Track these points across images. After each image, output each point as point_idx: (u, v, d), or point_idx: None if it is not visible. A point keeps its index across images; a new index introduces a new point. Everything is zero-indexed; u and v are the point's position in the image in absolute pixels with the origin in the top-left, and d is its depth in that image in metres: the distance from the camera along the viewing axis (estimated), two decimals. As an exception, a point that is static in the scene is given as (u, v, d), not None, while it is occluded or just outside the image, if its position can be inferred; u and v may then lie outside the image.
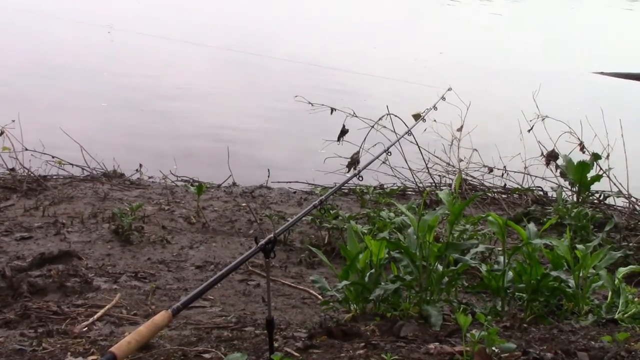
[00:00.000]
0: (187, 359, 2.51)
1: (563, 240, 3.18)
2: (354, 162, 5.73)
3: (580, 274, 3.04)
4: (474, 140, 6.38)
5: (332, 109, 6.01)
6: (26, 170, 5.69)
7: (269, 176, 6.37)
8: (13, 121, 5.65)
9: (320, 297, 3.63)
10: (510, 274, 3.09)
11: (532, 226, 3.20)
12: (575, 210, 5.09)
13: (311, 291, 3.83)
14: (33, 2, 16.05)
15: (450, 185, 6.16)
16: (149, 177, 6.33)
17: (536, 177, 6.37)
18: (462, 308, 3.00)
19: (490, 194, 6.17)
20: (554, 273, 2.98)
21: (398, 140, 4.61)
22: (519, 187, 6.32)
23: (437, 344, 2.45)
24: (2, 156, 5.82)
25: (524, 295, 3.05)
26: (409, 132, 4.94)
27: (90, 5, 17.20)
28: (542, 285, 3.00)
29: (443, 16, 22.39)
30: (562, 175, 5.96)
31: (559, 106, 7.59)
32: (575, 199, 5.82)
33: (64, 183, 5.80)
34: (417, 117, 5.38)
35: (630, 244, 4.73)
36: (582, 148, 5.95)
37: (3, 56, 11.37)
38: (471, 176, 6.38)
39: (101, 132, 7.87)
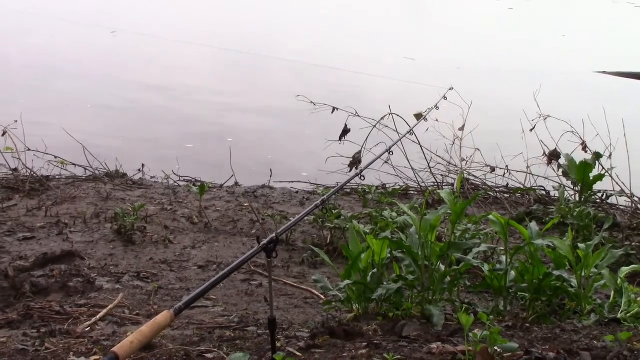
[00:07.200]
0: (190, 359, 2.51)
1: (565, 239, 3.18)
2: (355, 161, 5.72)
3: (583, 274, 3.04)
4: (476, 139, 6.38)
5: (334, 109, 6.00)
6: (29, 171, 5.69)
7: (271, 176, 6.37)
8: (16, 121, 5.67)
9: (322, 296, 3.64)
10: (513, 273, 3.09)
11: (534, 226, 3.19)
12: (577, 209, 5.08)
13: (313, 291, 3.83)
14: (36, 3, 16.08)
15: (452, 184, 6.15)
16: (152, 177, 6.34)
17: (538, 176, 6.36)
18: (464, 308, 3.00)
19: (492, 194, 6.16)
20: (556, 272, 2.97)
21: (400, 140, 4.60)
22: (521, 186, 6.31)
23: (439, 343, 2.45)
24: (4, 156, 5.83)
25: (527, 294, 3.05)
26: (411, 132, 4.93)
27: (94, 6, 17.23)
28: (544, 284, 3.00)
29: (443, 16, 22.37)
30: (565, 174, 5.95)
31: (561, 105, 7.58)
32: (577, 199, 5.81)
33: (67, 183, 5.81)
34: (419, 116, 5.37)
35: (633, 243, 4.72)
36: (585, 147, 5.95)
37: (6, 57, 11.40)
38: (473, 176, 6.37)
39: (103, 132, 7.88)
